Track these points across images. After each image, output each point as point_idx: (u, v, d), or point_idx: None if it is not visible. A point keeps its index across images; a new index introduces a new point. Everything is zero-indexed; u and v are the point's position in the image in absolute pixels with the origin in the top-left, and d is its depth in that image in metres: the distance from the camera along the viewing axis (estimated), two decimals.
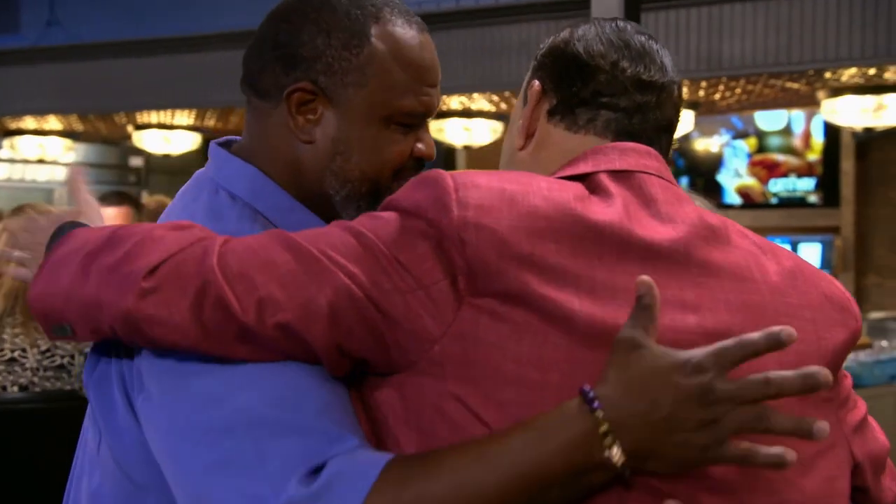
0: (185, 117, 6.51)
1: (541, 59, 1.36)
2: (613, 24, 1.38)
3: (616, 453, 1.09)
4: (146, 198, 5.36)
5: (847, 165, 7.72)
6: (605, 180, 1.27)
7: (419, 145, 1.36)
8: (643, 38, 1.37)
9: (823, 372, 1.09)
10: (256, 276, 1.16)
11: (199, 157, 8.40)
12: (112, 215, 4.91)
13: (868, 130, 5.77)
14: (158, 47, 5.93)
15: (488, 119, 6.18)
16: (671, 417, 1.10)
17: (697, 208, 1.29)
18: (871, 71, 4.89)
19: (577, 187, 1.24)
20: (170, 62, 5.89)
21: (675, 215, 1.25)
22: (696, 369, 1.10)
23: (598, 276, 1.18)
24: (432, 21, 5.04)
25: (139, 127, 6.78)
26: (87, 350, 3.93)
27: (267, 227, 1.30)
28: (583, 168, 1.29)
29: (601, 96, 1.35)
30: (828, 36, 4.39)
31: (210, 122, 6.66)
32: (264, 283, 1.15)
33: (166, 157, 7.17)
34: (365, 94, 1.32)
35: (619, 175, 1.29)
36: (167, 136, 6.79)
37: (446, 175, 1.20)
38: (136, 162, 9.54)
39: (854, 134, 7.00)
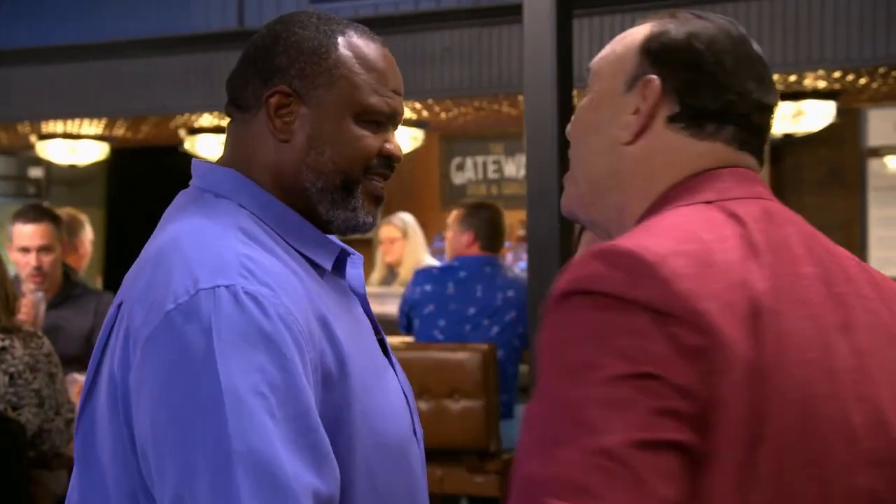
0: (92, 127, 6.43)
1: (658, 53, 1.35)
2: (726, 28, 1.37)
3: None
4: (58, 210, 5.25)
5: (763, 171, 7.85)
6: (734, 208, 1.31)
7: (387, 145, 1.53)
8: (758, 51, 1.39)
9: None
10: None
11: (105, 168, 8.27)
12: (30, 232, 4.70)
13: (787, 136, 5.90)
14: (65, 55, 5.84)
15: (408, 127, 6.19)
16: None
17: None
18: (792, 78, 5.01)
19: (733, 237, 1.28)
20: (77, 70, 5.81)
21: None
22: None
23: None
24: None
25: (43, 137, 6.67)
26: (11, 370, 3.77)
27: (251, 219, 1.47)
28: (707, 196, 1.32)
29: (729, 113, 1.36)
30: (775, 41, 4.47)
31: (119, 131, 6.60)
32: None
33: (72, 167, 7.06)
34: (334, 93, 1.49)
35: (742, 202, 1.33)
36: (73, 146, 6.69)
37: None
38: (35, 173, 9.36)
39: (771, 140, 7.14)
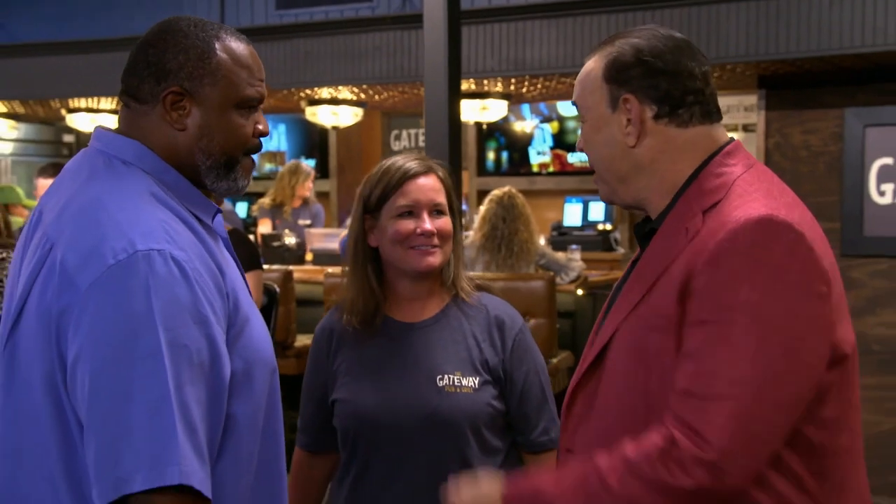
0: (108, 103, 6.40)
1: (624, 73, 1.43)
2: (659, 33, 1.44)
3: None
4: None
5: None
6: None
7: (258, 126, 1.48)
8: (681, 36, 1.45)
9: None
10: None
11: None
12: (49, 185, 4.75)
13: None
14: (86, 47, 5.82)
15: (350, 106, 6.24)
16: None
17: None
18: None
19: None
20: (95, 59, 5.80)
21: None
22: None
23: None
24: (306, 30, 5.09)
25: (71, 110, 6.63)
26: None
27: (155, 184, 1.40)
28: (737, 173, 1.41)
29: (689, 94, 1.42)
30: None
31: None
32: None
33: None
34: (218, 89, 1.43)
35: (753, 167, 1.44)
36: (94, 118, 6.65)
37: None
38: (68, 138, 9.27)
39: None
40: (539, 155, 8.45)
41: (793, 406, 1.30)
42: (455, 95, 3.50)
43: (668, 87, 1.41)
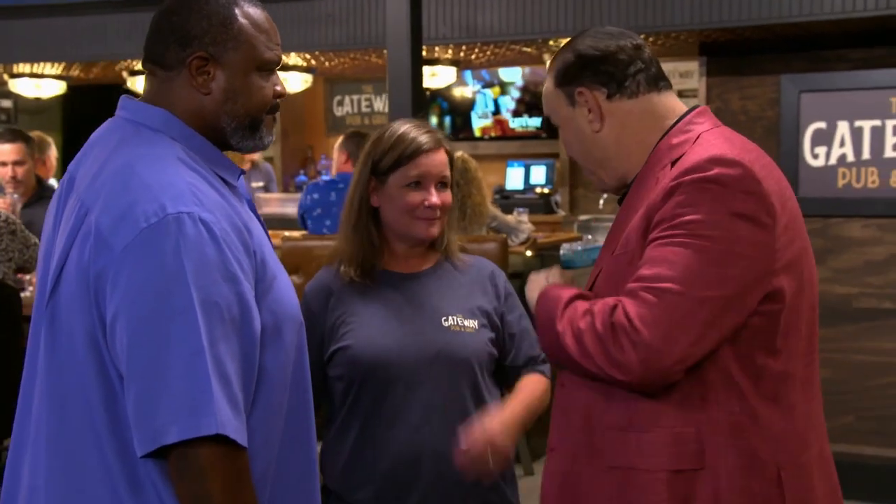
0: (53, 69, 6.30)
1: (571, 73, 1.61)
2: (592, 34, 1.64)
3: None
4: (30, 133, 5.21)
5: None
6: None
7: (277, 87, 1.54)
8: (611, 28, 1.66)
9: None
10: None
11: (60, 100, 8.10)
12: (7, 150, 4.68)
13: None
14: (31, 12, 5.71)
15: (300, 72, 6.24)
16: None
17: None
18: None
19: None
20: (42, 24, 5.70)
21: None
22: None
23: None
24: None
25: (13, 75, 6.51)
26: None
27: (182, 150, 1.45)
28: (699, 131, 1.56)
29: (629, 67, 1.60)
30: (551, 14, 4.63)
31: (75, 72, 6.46)
32: None
33: (37, 100, 6.91)
34: (241, 53, 1.49)
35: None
36: (38, 83, 6.53)
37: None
38: (6, 103, 9.08)
39: None
40: (481, 119, 8.54)
41: (718, 308, 1.44)
42: (418, 63, 3.57)
43: (607, 68, 1.59)
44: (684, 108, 1.62)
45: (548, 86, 1.67)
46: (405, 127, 2.06)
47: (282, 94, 1.55)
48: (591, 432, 1.53)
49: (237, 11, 1.49)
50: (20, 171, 4.64)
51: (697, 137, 1.55)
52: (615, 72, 1.60)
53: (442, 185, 2.04)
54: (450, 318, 2.01)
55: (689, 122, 1.58)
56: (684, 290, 1.42)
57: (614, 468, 1.50)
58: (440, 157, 2.04)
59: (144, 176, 1.38)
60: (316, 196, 5.05)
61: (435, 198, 2.01)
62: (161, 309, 1.31)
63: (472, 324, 2.02)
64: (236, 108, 1.50)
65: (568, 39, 1.70)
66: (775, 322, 1.47)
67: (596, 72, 1.60)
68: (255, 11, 1.52)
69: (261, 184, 6.48)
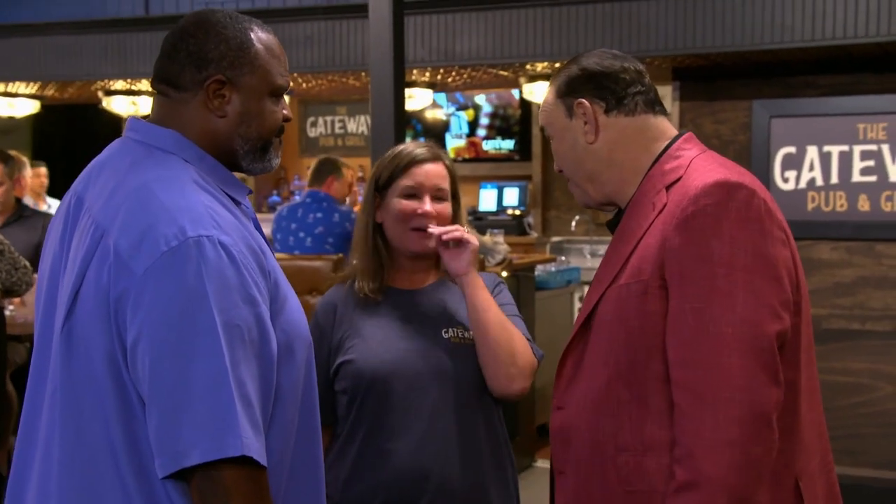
0: (28, 88, 6.27)
1: (573, 85, 1.65)
2: (598, 54, 1.68)
3: None
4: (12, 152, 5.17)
5: (536, 130, 8.03)
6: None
7: (285, 111, 1.55)
8: (617, 52, 1.70)
9: None
10: None
11: (31, 119, 8.05)
12: None
13: None
14: (6, 31, 5.69)
15: None
16: None
17: None
18: (558, 64, 5.29)
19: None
20: (19, 43, 5.68)
21: None
22: None
23: None
24: None
25: None
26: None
27: (196, 172, 1.45)
28: (692, 155, 1.58)
29: (629, 87, 1.64)
30: (528, 39, 4.70)
31: (50, 91, 6.43)
32: None
33: (10, 118, 6.86)
34: (256, 78, 1.49)
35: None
36: (11, 101, 6.50)
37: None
38: None
39: None
40: (455, 139, 8.57)
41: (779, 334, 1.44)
42: (400, 85, 3.59)
43: (608, 84, 1.63)
44: (675, 133, 1.64)
45: (548, 97, 1.70)
46: (406, 144, 2.11)
47: (288, 118, 1.56)
48: (602, 454, 1.52)
49: (253, 37, 1.50)
50: None
51: (690, 162, 1.57)
52: (616, 88, 1.63)
53: (439, 197, 2.03)
54: (450, 329, 2.01)
55: (679, 148, 1.61)
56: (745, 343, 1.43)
57: (633, 492, 1.49)
58: (436, 168, 2.04)
59: (162, 198, 1.38)
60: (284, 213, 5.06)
61: (428, 206, 2.01)
62: (184, 331, 1.30)
63: (471, 335, 2.01)
64: (250, 131, 1.51)
65: (558, 62, 1.75)
66: (797, 335, 1.50)
67: (598, 86, 1.64)
68: (269, 38, 1.53)
69: None
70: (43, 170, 6.72)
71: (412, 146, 2.08)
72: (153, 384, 1.31)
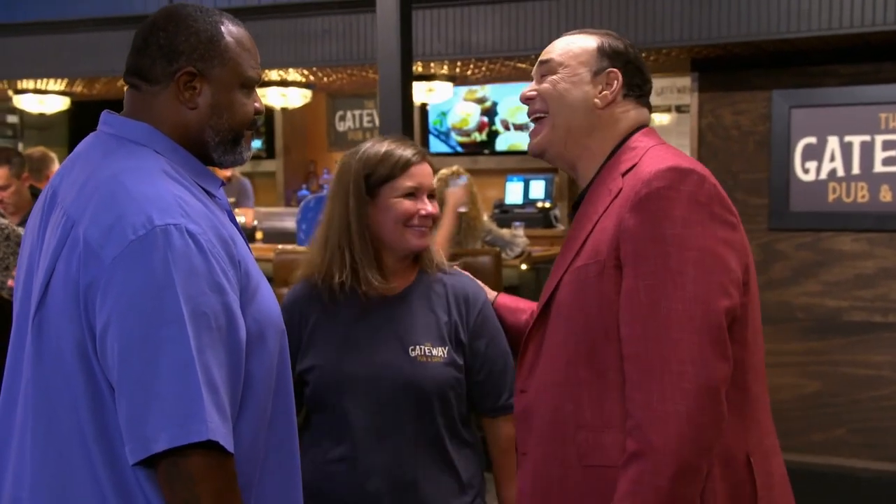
0: (57, 84, 6.35)
1: (614, 54, 1.70)
2: (626, 40, 1.74)
3: None
4: (31, 149, 5.23)
5: None
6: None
7: (256, 104, 1.57)
8: (636, 49, 1.76)
9: None
10: None
11: (66, 116, 8.17)
12: None
13: None
14: (34, 29, 5.78)
15: (299, 88, 6.27)
16: None
17: None
18: None
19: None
20: (46, 41, 5.76)
21: None
22: None
23: None
24: (254, 14, 5.12)
25: (18, 91, 6.57)
26: None
27: (167, 163, 1.46)
28: (648, 145, 1.65)
29: (647, 85, 1.74)
30: (543, 30, 4.67)
31: (78, 88, 6.51)
32: None
33: (41, 115, 6.96)
34: (226, 70, 1.52)
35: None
36: (42, 98, 6.59)
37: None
38: (12, 119, 9.14)
39: None
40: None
41: (728, 315, 1.49)
42: (408, 79, 3.58)
43: (638, 75, 1.72)
44: (648, 121, 1.77)
45: (585, 42, 1.72)
46: (387, 142, 2.07)
47: (260, 111, 1.58)
48: (563, 433, 1.55)
49: (223, 30, 1.52)
50: (5, 195, 4.66)
51: (645, 152, 1.64)
52: (639, 82, 1.72)
53: (430, 196, 2.07)
54: (418, 346, 1.98)
55: (636, 140, 1.68)
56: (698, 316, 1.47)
57: (590, 467, 1.52)
58: (428, 169, 2.08)
59: (131, 188, 1.39)
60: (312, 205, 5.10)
61: (429, 207, 2.04)
62: (151, 319, 1.32)
63: (440, 352, 2.00)
64: (221, 122, 1.52)
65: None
66: (745, 313, 1.53)
67: (632, 72, 1.71)
68: (239, 31, 1.55)
69: (232, 199, 6.53)
70: None
71: (396, 146, 2.06)
72: (122, 372, 1.32)
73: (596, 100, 1.68)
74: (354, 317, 2.02)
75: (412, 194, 2.02)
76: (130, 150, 1.47)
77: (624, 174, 1.61)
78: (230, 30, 1.53)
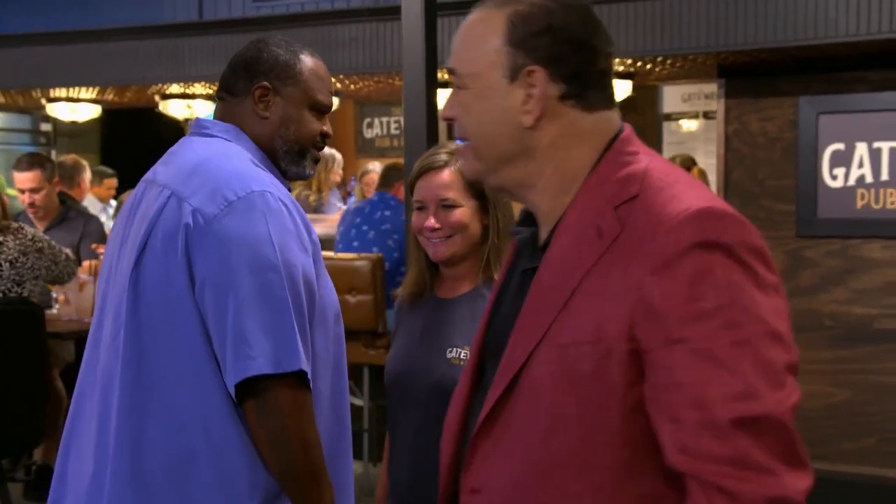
0: (89, 93, 6.43)
1: (528, 37, 1.17)
2: (563, 1, 1.20)
3: None
4: (64, 157, 5.30)
5: None
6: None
7: (325, 127, 1.79)
8: (590, 8, 1.22)
9: None
10: None
11: (98, 123, 8.27)
12: (22, 178, 4.75)
13: None
14: (68, 37, 5.86)
15: None
16: None
17: None
18: None
19: None
20: (77, 49, 5.83)
21: None
22: None
23: None
24: (282, 22, 5.16)
25: (51, 100, 6.65)
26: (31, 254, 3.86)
27: (251, 157, 1.67)
28: (644, 163, 1.19)
29: (604, 76, 1.21)
30: None
31: (109, 96, 6.59)
32: None
33: (73, 123, 7.05)
34: (298, 90, 1.74)
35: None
36: (74, 107, 6.67)
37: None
38: (45, 127, 9.28)
39: None
40: None
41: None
42: (432, 85, 3.58)
43: (580, 64, 1.18)
44: (619, 124, 1.24)
45: (486, 27, 1.20)
46: (426, 152, 2.12)
47: (327, 135, 1.78)
48: (535, 471, 1.17)
49: (301, 57, 1.77)
50: (36, 197, 4.74)
51: (644, 175, 1.18)
52: (585, 73, 1.18)
53: (445, 206, 1.99)
54: (455, 349, 2.00)
55: (622, 153, 1.21)
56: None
57: None
58: (440, 178, 2.00)
59: (228, 166, 1.61)
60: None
61: (431, 221, 2.00)
62: (251, 266, 1.50)
63: None
64: (289, 133, 1.74)
65: None
66: None
67: (565, 61, 1.17)
68: (316, 62, 1.79)
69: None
70: (112, 181, 6.87)
71: (430, 153, 2.09)
72: (221, 314, 1.50)
73: (522, 118, 1.18)
74: (418, 319, 2.11)
75: (422, 206, 2.04)
76: (222, 142, 1.69)
77: (617, 207, 1.16)
78: (306, 59, 1.77)
